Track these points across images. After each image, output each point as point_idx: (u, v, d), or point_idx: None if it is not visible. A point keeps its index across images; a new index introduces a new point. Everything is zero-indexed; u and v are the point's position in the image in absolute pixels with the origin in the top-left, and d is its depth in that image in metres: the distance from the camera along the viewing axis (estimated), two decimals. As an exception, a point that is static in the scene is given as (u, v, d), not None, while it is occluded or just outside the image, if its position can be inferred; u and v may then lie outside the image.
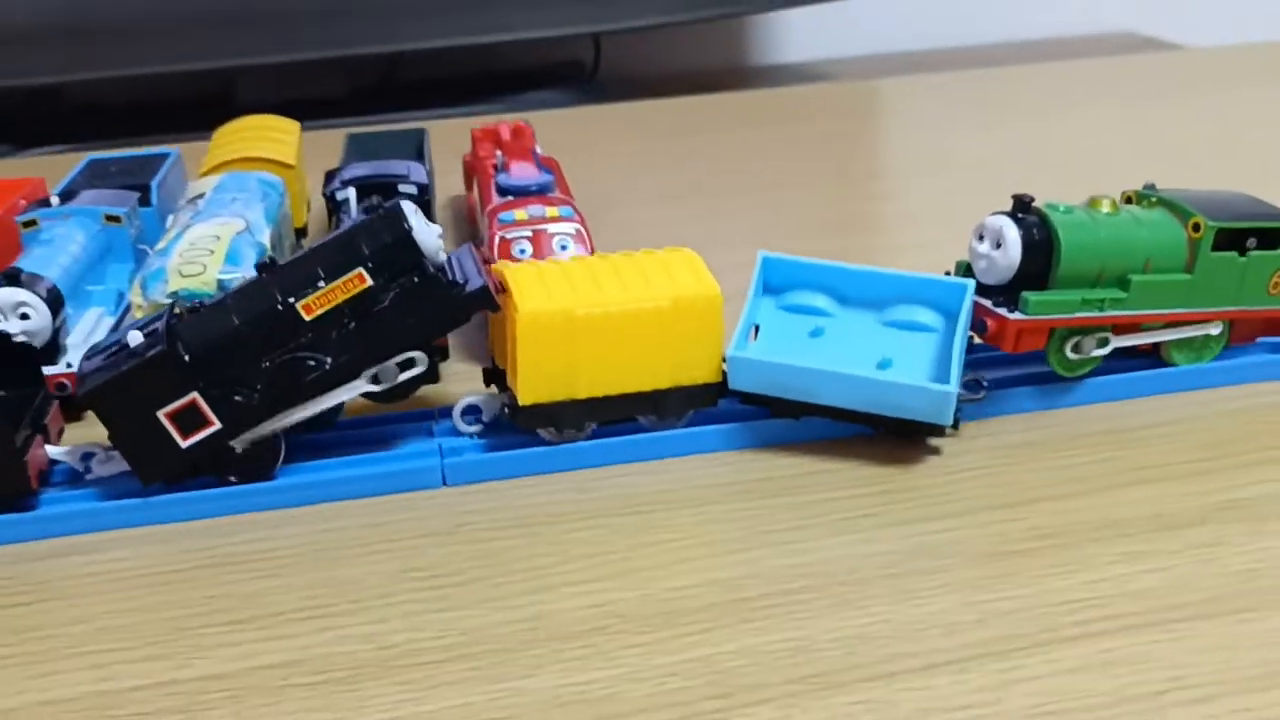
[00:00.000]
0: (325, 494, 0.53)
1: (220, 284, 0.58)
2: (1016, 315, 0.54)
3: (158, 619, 0.46)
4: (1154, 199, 0.58)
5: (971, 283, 0.54)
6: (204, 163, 0.78)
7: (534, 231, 0.63)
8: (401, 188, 0.70)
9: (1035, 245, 0.54)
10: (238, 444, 0.52)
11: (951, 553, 0.47)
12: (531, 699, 0.41)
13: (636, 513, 0.51)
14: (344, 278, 0.50)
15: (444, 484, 0.54)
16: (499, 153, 0.74)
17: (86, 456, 0.54)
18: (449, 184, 0.89)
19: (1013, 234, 0.54)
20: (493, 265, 0.57)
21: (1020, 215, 0.55)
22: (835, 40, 1.55)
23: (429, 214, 0.69)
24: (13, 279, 0.59)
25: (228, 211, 0.65)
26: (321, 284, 0.50)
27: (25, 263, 0.62)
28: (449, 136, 0.91)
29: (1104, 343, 0.56)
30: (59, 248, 0.64)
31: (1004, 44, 1.57)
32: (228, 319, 0.51)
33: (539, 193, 0.68)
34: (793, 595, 0.45)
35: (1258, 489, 0.51)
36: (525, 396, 0.53)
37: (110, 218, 0.68)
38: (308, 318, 0.51)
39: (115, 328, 0.64)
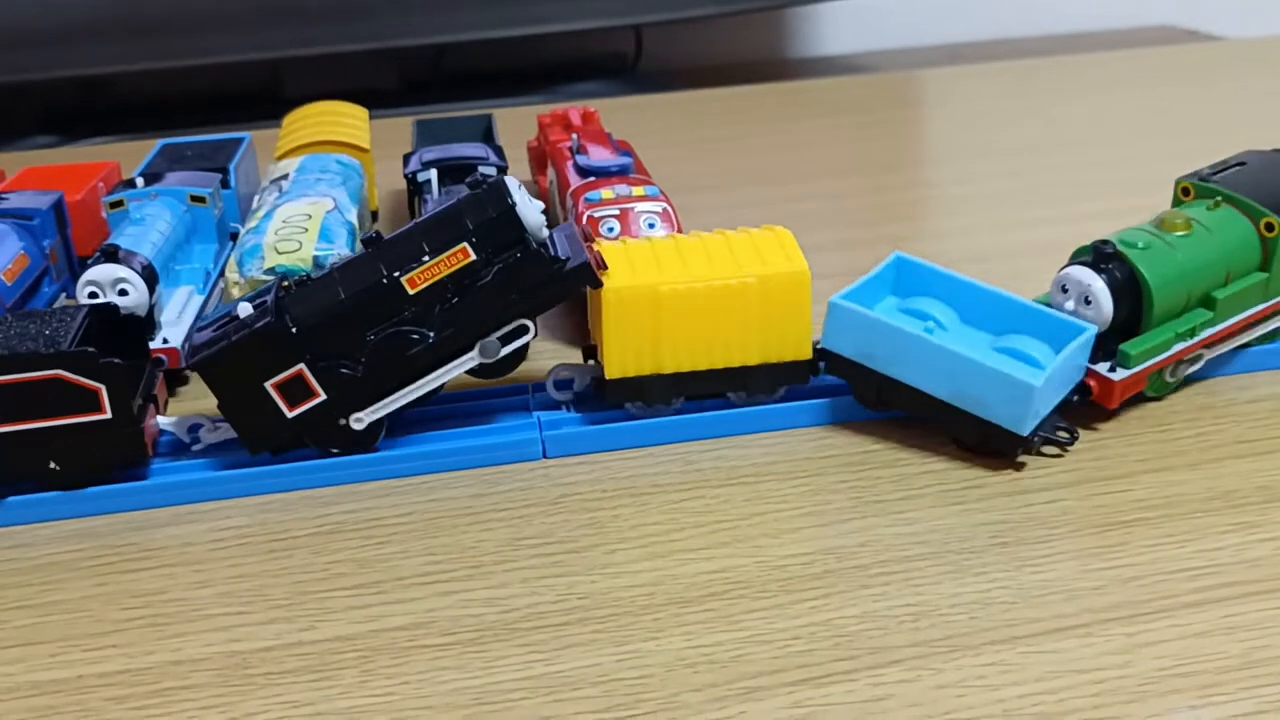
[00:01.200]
0: (428, 466, 0.53)
1: (316, 260, 0.59)
2: (1120, 374, 0.53)
3: (280, 583, 0.46)
4: (1217, 198, 0.58)
5: (1094, 328, 0.53)
6: (279, 146, 0.78)
7: (621, 210, 0.63)
8: (482, 169, 0.71)
9: (1122, 290, 0.53)
10: (355, 424, 0.52)
11: (1061, 523, 0.48)
12: (659, 660, 0.41)
13: (742, 483, 0.51)
14: (448, 252, 0.51)
15: (544, 456, 0.54)
16: (575, 136, 0.75)
17: (194, 428, 0.54)
18: (511, 169, 0.89)
19: (1100, 286, 0.53)
20: (593, 243, 0.57)
21: (1102, 266, 0.53)
22: (873, 34, 1.55)
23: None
24: (110, 255, 0.59)
25: (314, 191, 0.66)
26: (426, 259, 0.51)
27: (118, 241, 0.62)
28: (501, 124, 0.91)
29: (1197, 359, 0.56)
30: (149, 226, 0.65)
31: (1037, 38, 1.57)
32: (334, 292, 0.51)
33: (620, 173, 0.68)
34: (909, 563, 0.46)
35: (1359, 463, 0.51)
36: (612, 370, 0.54)
37: (195, 198, 0.69)
38: (412, 291, 0.51)
39: (204, 306, 0.65)
